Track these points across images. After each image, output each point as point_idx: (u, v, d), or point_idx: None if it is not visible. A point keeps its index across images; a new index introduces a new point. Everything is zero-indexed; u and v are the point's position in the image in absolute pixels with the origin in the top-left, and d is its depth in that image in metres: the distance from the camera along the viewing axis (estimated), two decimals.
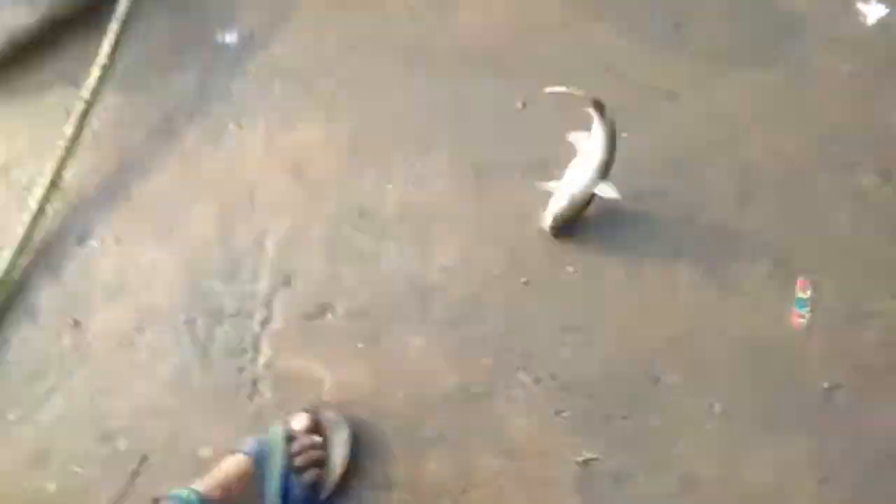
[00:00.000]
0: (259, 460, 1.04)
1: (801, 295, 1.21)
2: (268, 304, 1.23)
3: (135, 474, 1.13)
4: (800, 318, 1.19)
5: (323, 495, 1.07)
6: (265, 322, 1.22)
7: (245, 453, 1.05)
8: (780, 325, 1.18)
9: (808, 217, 1.27)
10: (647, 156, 1.31)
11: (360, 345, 1.19)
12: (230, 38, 1.49)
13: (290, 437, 1.07)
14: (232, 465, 1.04)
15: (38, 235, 1.29)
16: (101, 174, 1.36)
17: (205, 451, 1.13)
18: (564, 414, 1.14)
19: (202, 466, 1.05)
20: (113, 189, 1.35)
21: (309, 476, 1.06)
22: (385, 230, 1.29)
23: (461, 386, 1.16)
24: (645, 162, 1.30)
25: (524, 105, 1.38)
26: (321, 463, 1.08)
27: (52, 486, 1.13)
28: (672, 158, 1.33)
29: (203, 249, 1.28)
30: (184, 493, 0.98)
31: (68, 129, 1.30)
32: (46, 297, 1.26)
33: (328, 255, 1.27)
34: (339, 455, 1.09)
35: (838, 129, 1.34)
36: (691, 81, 1.39)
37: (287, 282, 1.25)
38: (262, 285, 1.25)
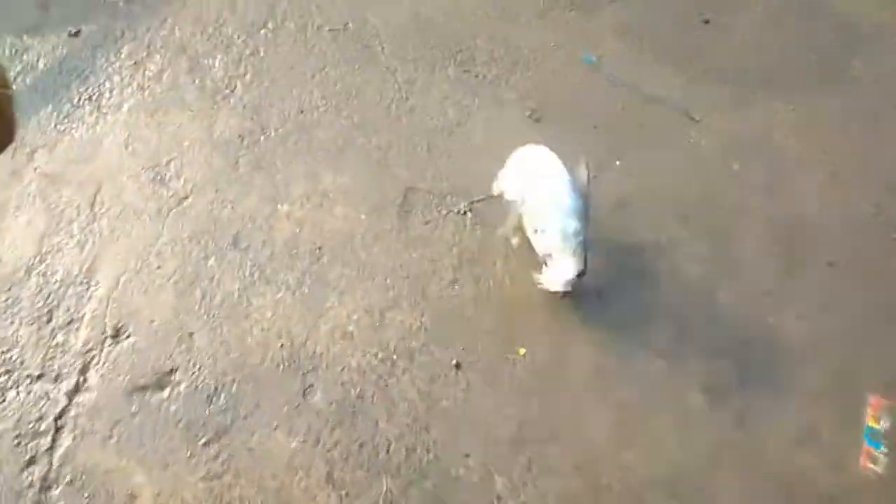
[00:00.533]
0: None
1: (872, 424, 0.80)
2: (84, 366, 0.85)
3: None
4: (871, 459, 0.78)
5: None
6: (75, 391, 0.84)
7: None
8: (841, 469, 0.76)
9: (883, 303, 0.84)
10: (652, 196, 0.90)
11: (201, 441, 0.80)
12: None
13: None
14: None
15: None
16: None
17: None
18: None
19: None
20: None
21: None
22: (265, 269, 0.90)
23: None
24: (647, 204, 0.88)
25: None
26: None
27: None
28: (686, 201, 0.91)
29: (12, 277, 0.90)
30: None
31: None
32: None
33: (179, 301, 0.88)
34: None
35: None
36: (718, 101, 0.98)
37: (116, 335, 0.87)
38: (81, 336, 0.86)
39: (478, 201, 0.97)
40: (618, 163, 1.00)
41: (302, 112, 1.05)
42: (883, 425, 0.80)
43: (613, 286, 0.88)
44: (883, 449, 0.79)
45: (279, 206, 0.95)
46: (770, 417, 0.79)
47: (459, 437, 0.81)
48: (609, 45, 1.14)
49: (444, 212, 0.97)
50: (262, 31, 1.10)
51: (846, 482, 0.77)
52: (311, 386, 0.84)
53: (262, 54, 1.10)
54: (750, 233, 0.93)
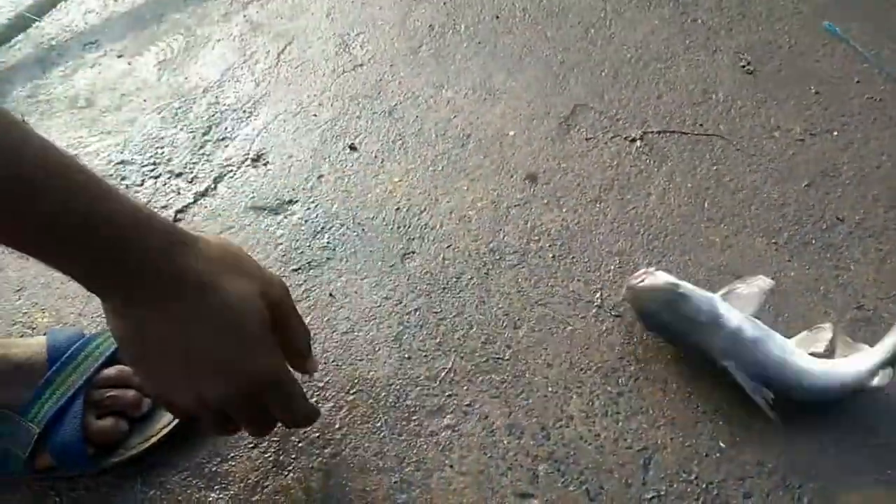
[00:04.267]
0: (56, 359, 0.67)
1: None
2: (219, 177, 0.87)
3: None
4: None
5: (112, 458, 0.67)
6: (203, 194, 0.86)
7: (49, 342, 0.69)
8: None
9: None
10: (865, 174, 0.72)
11: (292, 267, 0.78)
12: None
13: (115, 359, 0.69)
14: (23, 346, 0.69)
15: None
16: None
17: (40, 318, 0.79)
18: None
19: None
20: None
21: (102, 425, 0.66)
22: (408, 141, 0.87)
23: None
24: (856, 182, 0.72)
25: None
26: (132, 419, 0.68)
27: None
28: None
29: (191, 92, 0.97)
30: None
31: None
32: None
33: (321, 147, 0.88)
34: (161, 423, 0.68)
35: None
36: None
37: (257, 159, 0.88)
38: (227, 152, 0.89)
39: (655, 133, 0.86)
40: (835, 133, 0.83)
41: (497, 17, 1.02)
42: None
43: None
44: None
45: (444, 91, 0.92)
46: None
47: (549, 347, 0.69)
48: (854, 18, 0.97)
49: (610, 134, 0.87)
50: None
51: None
52: (412, 252, 0.78)
53: None
54: None
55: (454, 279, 0.76)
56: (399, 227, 0.81)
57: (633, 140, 0.86)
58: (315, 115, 0.93)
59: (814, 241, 0.76)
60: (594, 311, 0.73)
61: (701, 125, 0.87)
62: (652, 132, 0.86)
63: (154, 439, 0.66)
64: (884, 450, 0.64)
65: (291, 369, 0.58)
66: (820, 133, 0.85)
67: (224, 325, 0.51)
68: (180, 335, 0.51)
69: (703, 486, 0.62)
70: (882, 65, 0.91)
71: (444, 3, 1.05)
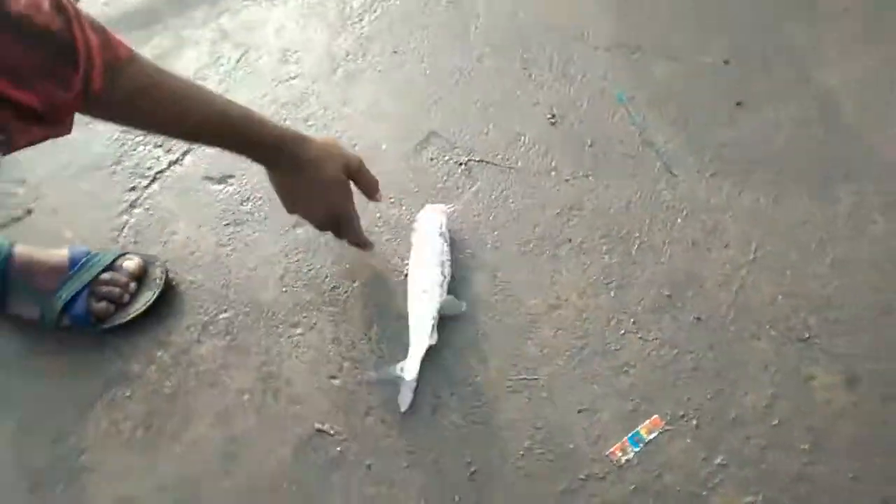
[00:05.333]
0: (74, 265, 1.15)
1: (643, 432, 1.02)
2: (185, 152, 1.32)
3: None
4: (623, 451, 1.01)
5: (104, 324, 1.16)
6: (175, 163, 1.30)
7: (70, 254, 1.16)
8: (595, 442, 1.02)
9: None
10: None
11: (224, 223, 1.24)
12: None
13: (111, 266, 1.16)
14: (54, 255, 1.16)
15: None
16: None
17: (67, 233, 1.26)
18: None
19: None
20: None
21: (99, 306, 1.15)
22: None
23: None
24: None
25: None
26: (118, 304, 1.16)
27: None
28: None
29: None
30: (2, 239, 1.15)
31: None
32: None
33: None
34: (141, 301, 1.16)
35: None
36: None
37: None
38: None
39: (475, 161, 1.29)
40: (590, 177, 1.25)
41: (395, 52, 1.42)
42: (649, 437, 1.03)
43: None
44: (637, 449, 1.02)
45: (346, 107, 1.37)
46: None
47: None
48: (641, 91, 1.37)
49: (447, 157, 1.30)
50: None
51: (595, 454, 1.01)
52: (300, 223, 1.23)
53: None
54: None
55: (324, 243, 1.22)
56: None
57: (460, 164, 1.29)
58: None
59: (546, 253, 1.20)
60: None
61: (506, 159, 1.30)
62: (473, 160, 1.29)
63: (128, 318, 1.16)
64: None
65: (373, 202, 1.16)
66: (580, 177, 1.27)
67: (321, 186, 1.05)
68: (303, 190, 1.06)
69: None
70: (645, 128, 1.31)
71: (360, 35, 1.45)
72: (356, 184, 1.10)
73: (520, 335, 1.10)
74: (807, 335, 1.07)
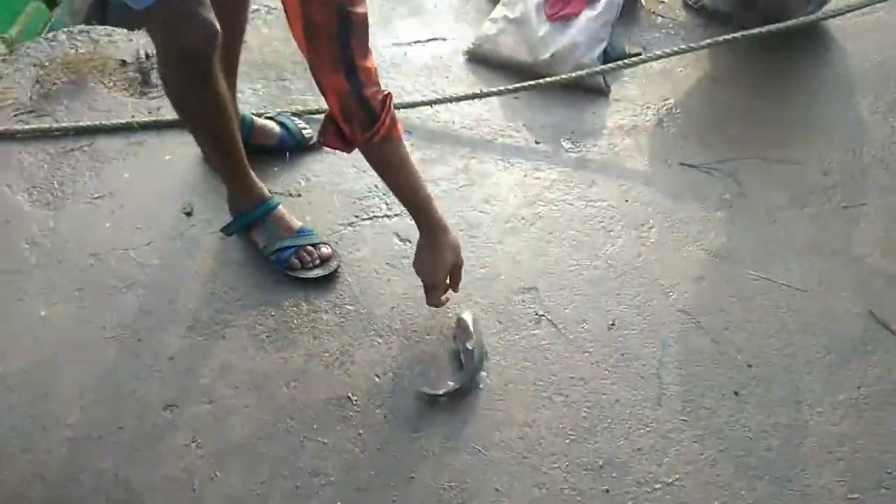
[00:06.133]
0: (300, 233, 1.88)
1: None
2: None
3: None
4: None
5: (290, 272, 1.81)
6: None
7: (300, 227, 1.90)
8: None
9: None
10: None
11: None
12: None
13: (314, 245, 1.88)
14: (294, 222, 1.89)
15: None
16: None
17: (308, 217, 2.01)
18: None
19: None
20: None
21: (294, 261, 1.82)
22: None
23: None
24: None
25: None
26: (304, 266, 1.82)
27: None
28: None
29: None
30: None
31: None
32: None
33: None
34: (315, 273, 1.82)
35: None
36: None
37: None
38: None
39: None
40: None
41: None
42: None
43: None
44: None
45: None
46: None
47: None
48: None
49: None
50: None
51: None
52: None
53: None
54: None
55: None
56: None
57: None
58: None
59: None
60: None
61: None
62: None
63: (304, 276, 1.81)
64: None
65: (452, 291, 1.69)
66: None
67: (440, 261, 1.56)
68: (428, 257, 1.58)
69: None
70: None
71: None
72: (450, 275, 1.62)
73: None
74: None
